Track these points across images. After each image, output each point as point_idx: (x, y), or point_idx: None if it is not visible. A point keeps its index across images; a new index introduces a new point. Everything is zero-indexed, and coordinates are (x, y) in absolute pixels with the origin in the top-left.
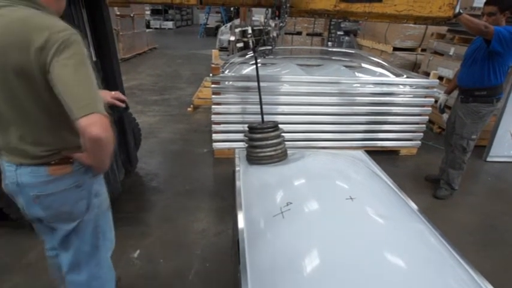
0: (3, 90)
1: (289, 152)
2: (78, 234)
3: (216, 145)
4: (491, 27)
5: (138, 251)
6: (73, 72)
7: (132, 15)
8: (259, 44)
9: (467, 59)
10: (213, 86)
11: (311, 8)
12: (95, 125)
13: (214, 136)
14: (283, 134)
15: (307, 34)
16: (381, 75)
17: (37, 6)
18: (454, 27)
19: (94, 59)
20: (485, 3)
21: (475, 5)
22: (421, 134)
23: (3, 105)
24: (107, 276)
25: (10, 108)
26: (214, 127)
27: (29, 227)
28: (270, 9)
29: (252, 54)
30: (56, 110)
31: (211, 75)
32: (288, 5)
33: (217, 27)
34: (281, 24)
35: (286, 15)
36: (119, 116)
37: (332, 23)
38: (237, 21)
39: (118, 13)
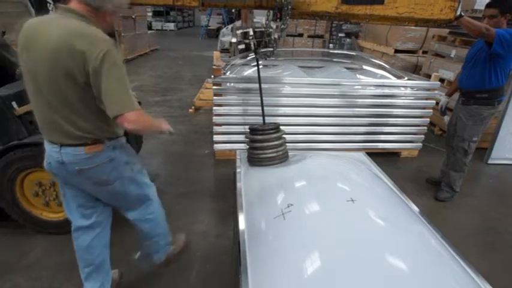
0: (53, 85)
1: (290, 153)
2: (122, 191)
3: (217, 146)
4: (492, 30)
5: (139, 252)
6: (107, 77)
7: (133, 16)
8: (260, 45)
9: (468, 61)
10: (214, 87)
11: (312, 10)
12: (127, 121)
13: (216, 137)
14: (284, 136)
15: (309, 36)
16: (382, 77)
17: (82, 18)
18: (455, 30)
19: None
20: (486, 6)
21: (476, 7)
22: (422, 136)
23: (53, 97)
24: (159, 211)
25: (58, 100)
26: (216, 128)
27: (30, 228)
28: (271, 11)
29: (254, 56)
30: (94, 105)
31: (212, 76)
32: (289, 7)
33: (218, 29)
34: (282, 26)
35: (287, 17)
36: None
37: (333, 25)
38: (238, 23)
39: (120, 14)
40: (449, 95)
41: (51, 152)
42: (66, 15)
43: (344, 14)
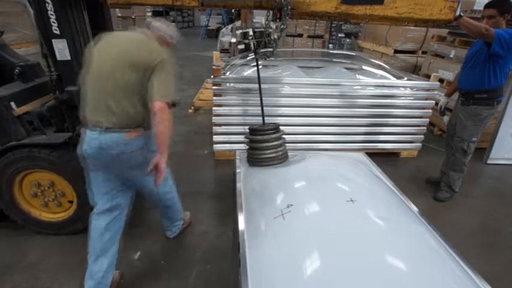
0: (118, 74)
1: (289, 153)
2: (142, 174)
3: (216, 147)
4: (491, 30)
5: (139, 253)
6: (164, 77)
7: (133, 16)
8: (260, 46)
9: (467, 62)
10: (214, 87)
11: (312, 10)
12: (158, 105)
13: (215, 138)
14: (284, 136)
15: (308, 36)
16: (382, 77)
17: (146, 35)
18: (454, 30)
19: None
20: (485, 6)
21: (475, 7)
22: (422, 136)
23: (113, 84)
24: (171, 190)
25: (116, 86)
26: (215, 129)
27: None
28: (271, 12)
29: (253, 56)
30: (145, 95)
31: (212, 76)
32: (289, 7)
33: (218, 29)
34: (282, 26)
35: (287, 17)
36: None
37: (333, 25)
38: (238, 23)
39: (119, 15)
40: (449, 95)
41: (93, 136)
42: (141, 33)
43: (344, 14)
